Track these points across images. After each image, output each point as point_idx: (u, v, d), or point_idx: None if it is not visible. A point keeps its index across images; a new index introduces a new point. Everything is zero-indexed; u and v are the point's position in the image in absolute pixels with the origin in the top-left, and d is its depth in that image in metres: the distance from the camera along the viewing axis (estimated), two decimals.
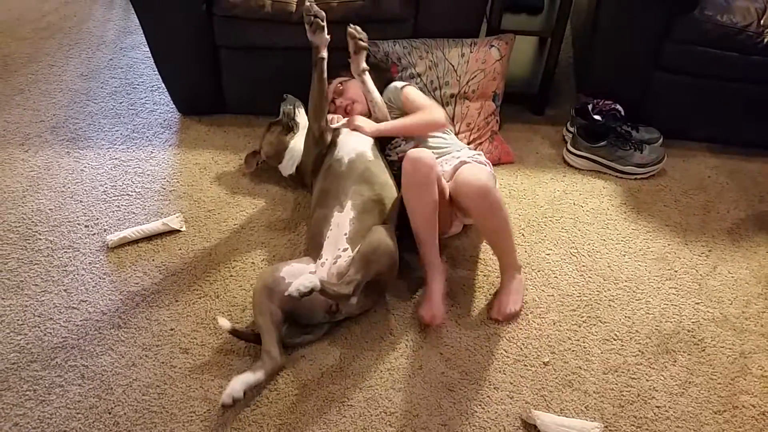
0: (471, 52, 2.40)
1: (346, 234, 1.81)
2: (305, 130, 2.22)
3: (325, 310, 1.75)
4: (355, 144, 2.01)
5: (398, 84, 2.25)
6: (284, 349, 1.72)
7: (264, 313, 1.68)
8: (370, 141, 2.06)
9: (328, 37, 1.93)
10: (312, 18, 1.89)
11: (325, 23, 1.91)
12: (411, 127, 2.15)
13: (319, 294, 1.62)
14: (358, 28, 2.03)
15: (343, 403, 1.66)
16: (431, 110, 2.15)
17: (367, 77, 2.12)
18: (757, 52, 2.30)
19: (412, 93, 2.21)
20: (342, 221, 1.83)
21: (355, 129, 2.08)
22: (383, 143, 2.17)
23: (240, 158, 2.40)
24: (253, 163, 2.32)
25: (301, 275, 1.68)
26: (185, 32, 2.39)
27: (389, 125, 2.14)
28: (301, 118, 2.28)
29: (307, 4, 1.89)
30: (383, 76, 2.31)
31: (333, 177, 1.94)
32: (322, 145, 2.04)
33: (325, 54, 1.94)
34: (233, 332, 1.73)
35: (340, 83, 2.28)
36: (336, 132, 2.07)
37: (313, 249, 1.84)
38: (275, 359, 1.65)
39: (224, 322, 1.72)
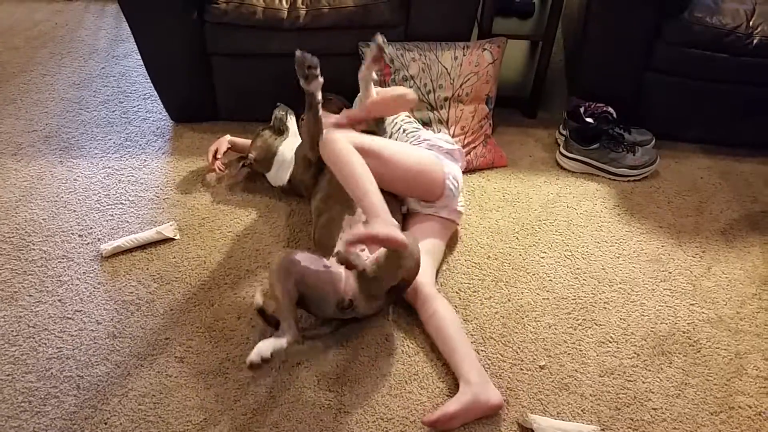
0: (464, 55, 2.41)
1: None
2: (294, 138, 2.22)
3: (336, 303, 1.73)
4: None
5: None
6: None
7: (281, 292, 1.65)
8: None
9: (321, 79, 1.85)
10: (306, 71, 1.80)
11: (318, 70, 1.82)
12: (385, 99, 2.06)
13: (356, 279, 1.68)
14: (383, 38, 1.97)
15: (339, 409, 1.66)
16: (402, 88, 2.14)
17: (371, 85, 2.08)
18: (747, 54, 2.31)
19: (381, 90, 2.16)
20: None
21: (339, 126, 2.05)
22: None
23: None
24: (238, 166, 2.31)
25: (315, 262, 1.73)
26: (177, 40, 2.39)
27: (362, 107, 2.08)
28: (291, 124, 2.29)
29: (298, 54, 1.78)
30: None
31: (339, 183, 1.93)
32: (317, 165, 2.03)
33: (320, 97, 1.88)
34: (260, 311, 1.70)
35: None
36: None
37: (323, 250, 1.84)
38: (294, 330, 1.61)
39: (258, 297, 1.70)
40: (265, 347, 1.54)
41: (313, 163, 2.02)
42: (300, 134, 2.02)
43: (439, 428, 1.62)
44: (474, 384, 1.64)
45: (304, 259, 1.72)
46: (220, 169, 2.32)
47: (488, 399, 1.63)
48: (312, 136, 1.96)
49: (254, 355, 1.53)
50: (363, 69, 2.03)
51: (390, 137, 2.16)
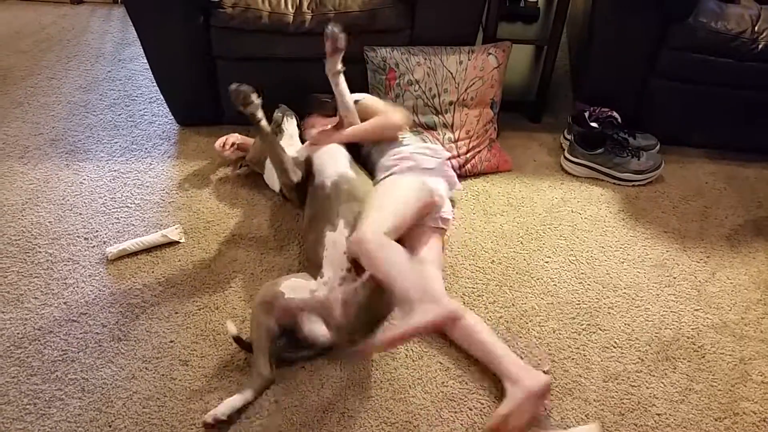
0: (469, 59, 2.41)
1: (345, 252, 1.81)
2: (289, 140, 2.23)
3: (327, 326, 1.75)
4: (334, 167, 1.98)
5: (355, 96, 2.17)
6: (282, 363, 1.74)
7: (260, 329, 1.69)
8: (347, 157, 2.04)
9: (259, 101, 1.89)
10: (242, 102, 1.87)
11: (254, 95, 1.88)
12: (370, 131, 2.12)
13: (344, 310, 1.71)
14: (336, 29, 1.95)
15: (343, 414, 1.66)
16: (389, 113, 2.13)
17: (341, 79, 2.05)
18: (752, 59, 2.31)
19: (368, 101, 2.19)
20: (338, 239, 1.82)
21: (317, 143, 2.07)
22: (356, 158, 2.14)
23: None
24: (237, 165, 2.35)
25: (300, 290, 1.74)
26: (183, 44, 2.40)
27: (351, 131, 2.10)
28: (288, 126, 2.27)
29: (232, 88, 1.85)
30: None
31: (319, 202, 1.92)
32: (294, 188, 2.03)
33: (261, 115, 1.91)
34: (237, 339, 1.74)
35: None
36: (310, 160, 2.05)
37: (312, 267, 1.84)
38: (264, 376, 1.67)
39: (231, 327, 1.74)
40: (223, 408, 1.60)
41: (293, 187, 2.02)
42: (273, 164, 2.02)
43: None
44: (517, 380, 1.65)
45: (289, 288, 1.74)
46: (228, 156, 2.36)
47: (533, 386, 1.64)
48: (274, 159, 1.97)
49: (208, 416, 1.58)
50: (327, 63, 2.02)
51: (373, 149, 2.16)
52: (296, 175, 1.99)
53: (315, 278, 1.79)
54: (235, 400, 1.62)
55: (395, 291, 1.64)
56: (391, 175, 2.01)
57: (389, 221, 1.80)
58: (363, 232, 1.73)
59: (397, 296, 1.64)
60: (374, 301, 1.70)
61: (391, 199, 1.90)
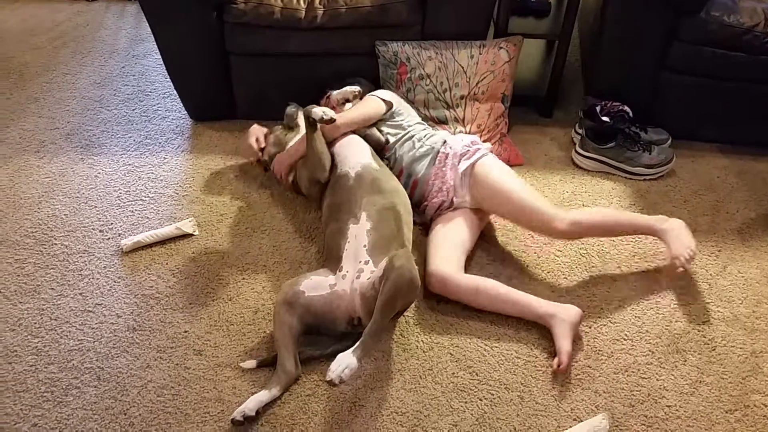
0: (480, 53, 2.42)
1: (365, 246, 1.81)
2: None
3: (347, 321, 1.77)
4: (357, 157, 2.01)
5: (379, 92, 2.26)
6: (304, 362, 1.75)
7: (283, 327, 1.71)
8: (369, 150, 2.06)
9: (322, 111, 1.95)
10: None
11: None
12: (359, 113, 2.13)
13: (361, 300, 1.75)
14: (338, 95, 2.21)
15: (354, 403, 1.68)
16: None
17: (347, 105, 2.19)
18: (764, 52, 2.30)
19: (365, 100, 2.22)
20: (359, 233, 1.84)
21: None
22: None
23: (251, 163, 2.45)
24: (263, 166, 2.34)
25: (320, 287, 1.76)
26: (196, 39, 2.43)
27: (343, 119, 2.08)
28: (302, 121, 2.28)
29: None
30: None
31: (342, 191, 1.94)
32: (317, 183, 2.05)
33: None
34: (261, 365, 1.75)
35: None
36: (332, 152, 2.06)
37: (331, 261, 1.85)
38: (290, 372, 1.68)
39: (249, 364, 1.75)
40: (251, 404, 1.60)
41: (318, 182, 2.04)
42: (307, 157, 2.04)
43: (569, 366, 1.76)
44: (556, 314, 1.81)
45: (309, 287, 1.76)
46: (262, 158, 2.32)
47: (573, 315, 1.81)
48: (312, 153, 2.00)
49: (237, 413, 1.58)
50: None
51: (399, 141, 2.17)
52: (326, 172, 2.01)
53: (334, 272, 1.81)
54: (262, 396, 1.63)
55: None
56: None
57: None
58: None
59: None
60: (386, 305, 1.67)
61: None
